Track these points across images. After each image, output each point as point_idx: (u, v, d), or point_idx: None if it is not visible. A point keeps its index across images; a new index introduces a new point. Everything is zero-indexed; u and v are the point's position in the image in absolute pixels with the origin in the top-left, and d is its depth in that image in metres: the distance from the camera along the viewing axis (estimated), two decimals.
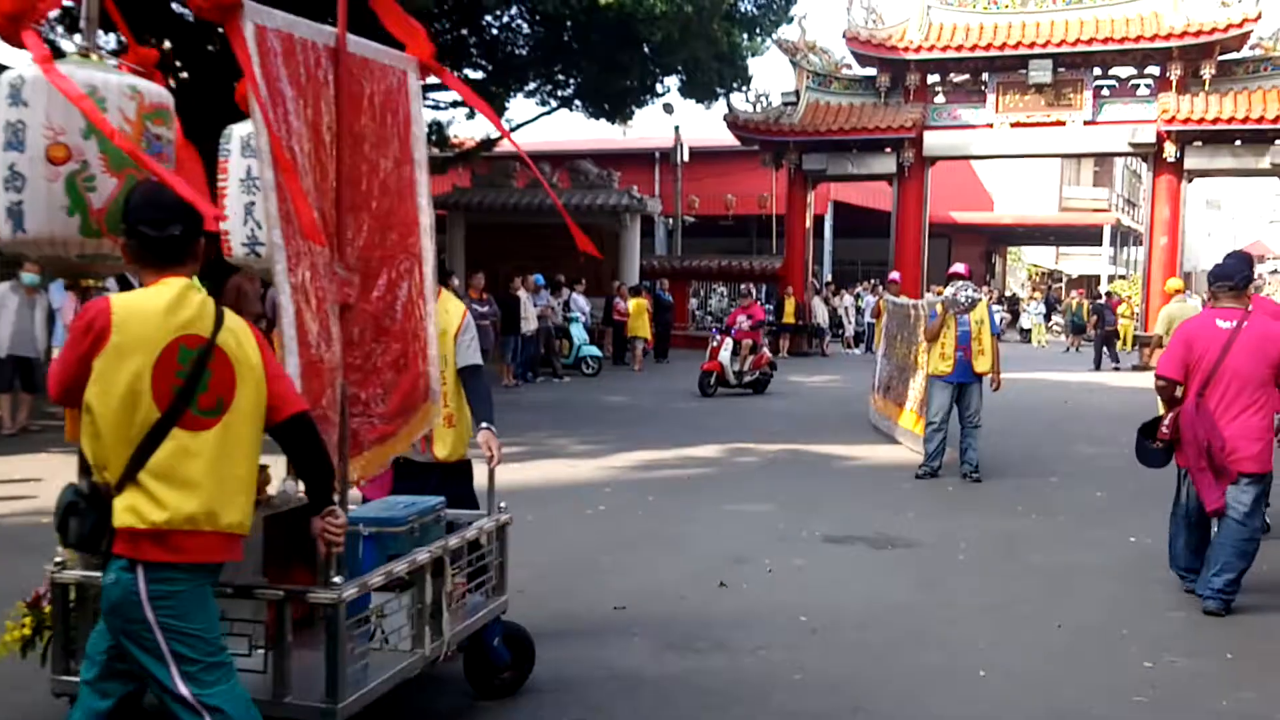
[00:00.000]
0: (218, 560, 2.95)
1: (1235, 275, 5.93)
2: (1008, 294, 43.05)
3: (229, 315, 2.99)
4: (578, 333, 19.64)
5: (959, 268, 10.03)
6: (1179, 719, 4.45)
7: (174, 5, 14.73)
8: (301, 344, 3.35)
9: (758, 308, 17.88)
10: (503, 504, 4.43)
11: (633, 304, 21.06)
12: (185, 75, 15.79)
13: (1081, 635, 5.40)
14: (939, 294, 10.90)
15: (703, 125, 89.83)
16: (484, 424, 4.46)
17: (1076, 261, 52.17)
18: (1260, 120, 20.70)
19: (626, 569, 6.54)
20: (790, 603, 5.84)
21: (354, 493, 4.01)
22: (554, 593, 5.99)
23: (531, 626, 5.34)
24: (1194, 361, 5.78)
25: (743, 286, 20.36)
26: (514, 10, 18.49)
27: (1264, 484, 5.78)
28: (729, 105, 23.46)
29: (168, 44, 15.05)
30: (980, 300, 9.66)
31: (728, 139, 25.38)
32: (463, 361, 4.64)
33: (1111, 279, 40.89)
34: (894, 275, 16.10)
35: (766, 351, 17.14)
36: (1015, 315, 36.35)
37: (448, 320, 4.61)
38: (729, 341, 16.43)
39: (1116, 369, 22.41)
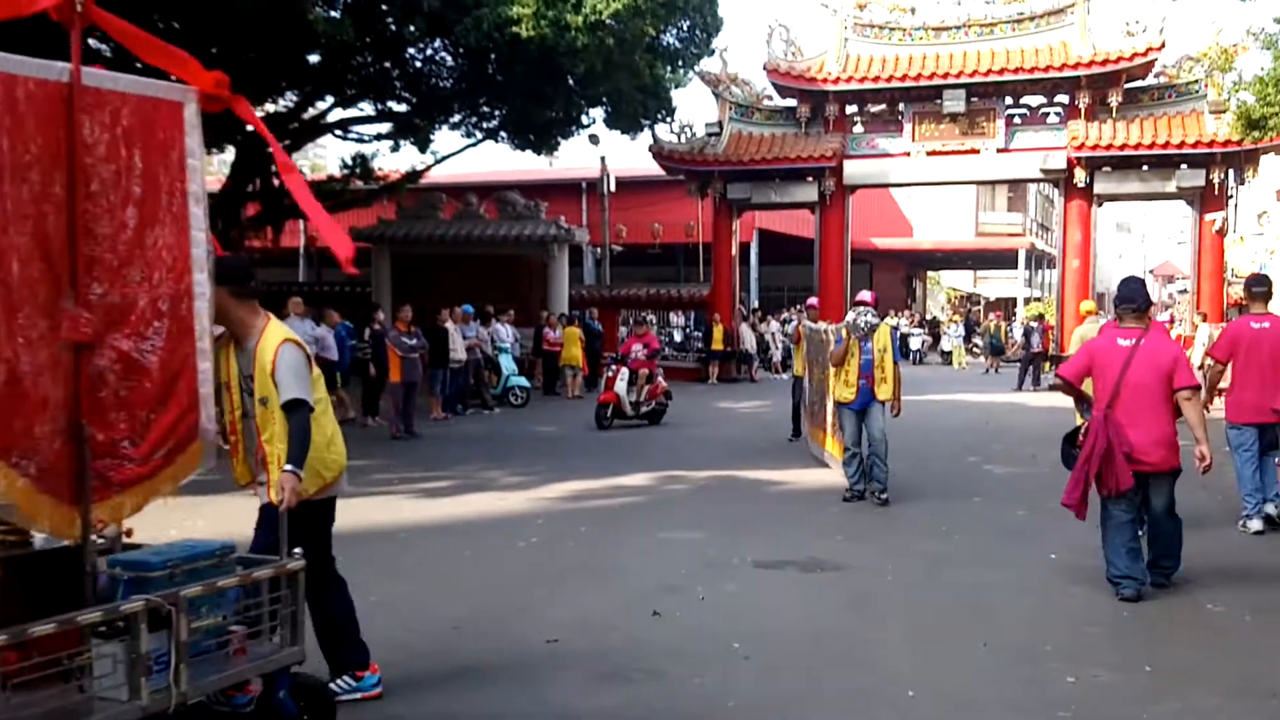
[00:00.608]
0: None
1: (1138, 298, 6.62)
2: (929, 317, 43.90)
3: None
4: (506, 363, 19.58)
5: (864, 295, 10.22)
6: None
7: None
8: None
9: (653, 336, 17.79)
10: (296, 550, 4.12)
11: (564, 333, 21.11)
12: None
13: (1006, 653, 5.52)
14: None
15: (628, 155, 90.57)
16: (287, 465, 4.27)
17: (994, 285, 53.56)
18: (1166, 145, 21.35)
19: (559, 601, 6.54)
20: (723, 630, 5.89)
21: (112, 530, 3.90)
22: (487, 627, 5.97)
23: (465, 662, 5.33)
24: (1097, 374, 6.49)
25: (643, 315, 20.12)
26: (437, 43, 18.48)
27: (1174, 478, 6.52)
28: (654, 136, 23.66)
29: None
30: (879, 325, 9.88)
31: (653, 169, 25.56)
32: (282, 397, 4.36)
33: (1028, 301, 41.92)
34: (812, 301, 16.02)
35: (662, 381, 16.68)
36: (936, 338, 37.08)
37: (265, 357, 4.40)
38: (625, 371, 15.94)
39: (1035, 389, 22.97)
